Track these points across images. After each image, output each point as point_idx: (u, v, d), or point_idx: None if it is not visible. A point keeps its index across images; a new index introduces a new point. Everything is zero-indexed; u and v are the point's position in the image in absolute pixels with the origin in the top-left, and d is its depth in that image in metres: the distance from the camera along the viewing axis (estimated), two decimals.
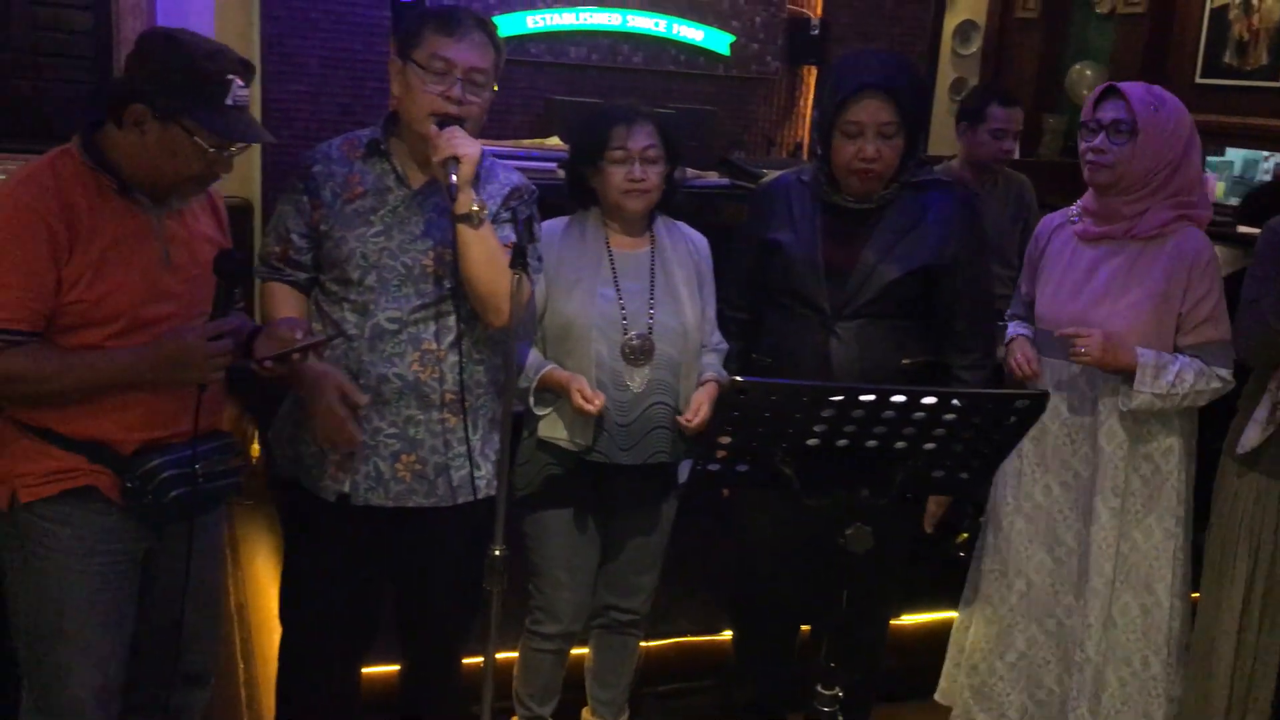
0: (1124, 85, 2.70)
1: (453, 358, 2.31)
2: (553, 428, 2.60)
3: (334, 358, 2.28)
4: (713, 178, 4.53)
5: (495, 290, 2.19)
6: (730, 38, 5.03)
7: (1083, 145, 2.73)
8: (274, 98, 4.25)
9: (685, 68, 5.04)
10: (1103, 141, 2.66)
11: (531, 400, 2.57)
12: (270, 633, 3.18)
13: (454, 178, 2.11)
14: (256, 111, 4.37)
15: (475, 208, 2.15)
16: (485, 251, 2.21)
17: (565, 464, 2.62)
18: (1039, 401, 1.97)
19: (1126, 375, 2.62)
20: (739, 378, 1.86)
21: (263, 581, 3.52)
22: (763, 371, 2.69)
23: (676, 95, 4.94)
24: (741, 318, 2.81)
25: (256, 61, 4.35)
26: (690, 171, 4.51)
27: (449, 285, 2.28)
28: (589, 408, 2.48)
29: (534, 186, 2.45)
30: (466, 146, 2.14)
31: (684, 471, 2.52)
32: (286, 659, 2.54)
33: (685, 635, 3.27)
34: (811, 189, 2.69)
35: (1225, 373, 2.65)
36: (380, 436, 2.31)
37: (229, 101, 1.98)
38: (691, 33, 4.99)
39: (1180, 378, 2.61)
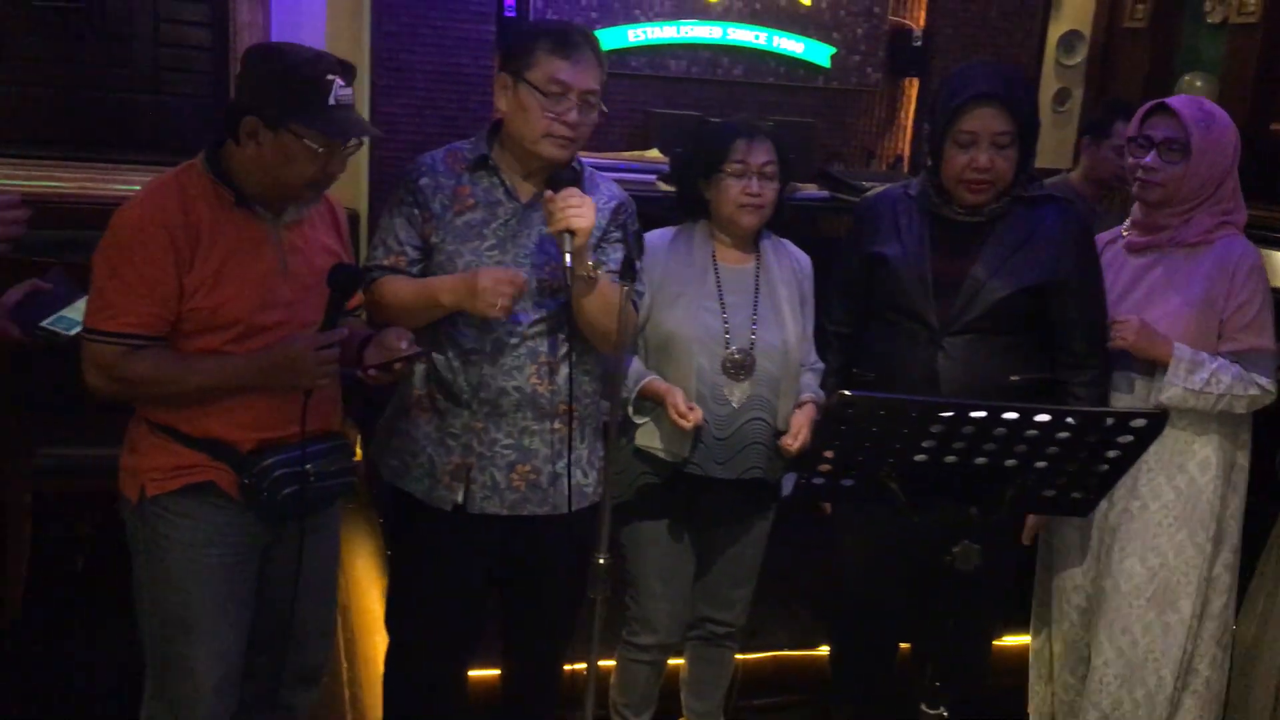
0: (1174, 102, 2.65)
1: (565, 369, 2.34)
2: (650, 437, 2.61)
3: (454, 371, 2.32)
4: (811, 190, 4.51)
5: (610, 327, 2.22)
6: (831, 50, 4.99)
7: (1131, 161, 2.70)
8: (383, 110, 4.34)
9: (785, 80, 5.01)
10: (1154, 160, 2.63)
11: (630, 409, 2.59)
12: (372, 634, 3.25)
13: (568, 256, 2.14)
14: (365, 116, 4.48)
15: (590, 272, 2.18)
16: (601, 300, 2.25)
17: (660, 474, 2.63)
18: (1158, 421, 1.93)
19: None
20: (846, 391, 1.85)
21: (364, 583, 3.59)
22: (866, 387, 2.67)
23: (775, 108, 4.92)
24: (842, 332, 2.80)
25: (366, 75, 4.45)
26: (791, 185, 4.51)
27: (564, 298, 2.31)
28: (684, 423, 2.49)
29: (630, 198, 2.48)
30: (581, 218, 2.16)
31: (788, 484, 2.51)
32: (394, 664, 2.58)
33: (782, 650, 3.26)
34: (919, 202, 2.67)
35: (1265, 381, 2.59)
36: (497, 447, 2.35)
37: (331, 101, 2.05)
38: (792, 45, 4.96)
39: (1216, 378, 2.55)
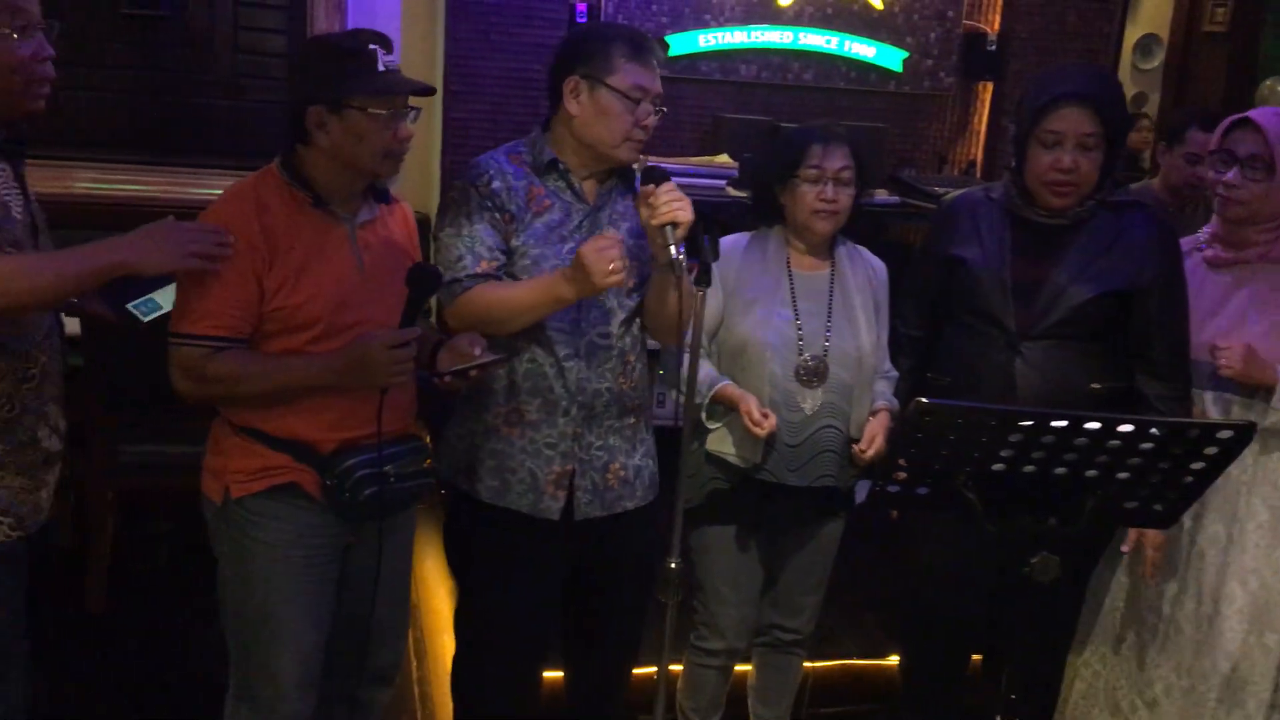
0: (1258, 116, 2.58)
1: (640, 364, 2.38)
2: (721, 442, 2.61)
3: (550, 378, 2.32)
4: (881, 195, 4.49)
5: (683, 323, 2.21)
6: (903, 54, 4.96)
7: (1213, 176, 2.63)
8: (455, 116, 4.40)
9: (856, 85, 4.99)
10: (1236, 176, 2.56)
11: (704, 414, 2.59)
12: (440, 633, 3.29)
13: (674, 249, 2.13)
14: (437, 130, 4.56)
15: (681, 258, 2.18)
16: (685, 292, 2.23)
17: (731, 479, 2.63)
18: (1244, 433, 1.88)
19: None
20: (924, 399, 1.84)
21: (432, 583, 3.63)
22: (941, 391, 2.64)
23: (846, 112, 4.89)
24: (916, 335, 2.77)
25: (439, 83, 4.51)
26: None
27: (638, 296, 2.34)
28: (758, 430, 2.49)
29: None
30: (685, 211, 2.16)
31: (862, 491, 2.50)
32: (466, 668, 2.58)
33: (852, 658, 3.24)
34: (1001, 205, 2.64)
35: None
36: (593, 450, 2.37)
37: (381, 68, 2.09)
38: (864, 49, 4.94)
39: None
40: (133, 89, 4.50)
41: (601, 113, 2.27)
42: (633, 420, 2.42)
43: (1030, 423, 1.86)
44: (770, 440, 2.55)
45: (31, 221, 2.07)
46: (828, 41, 4.91)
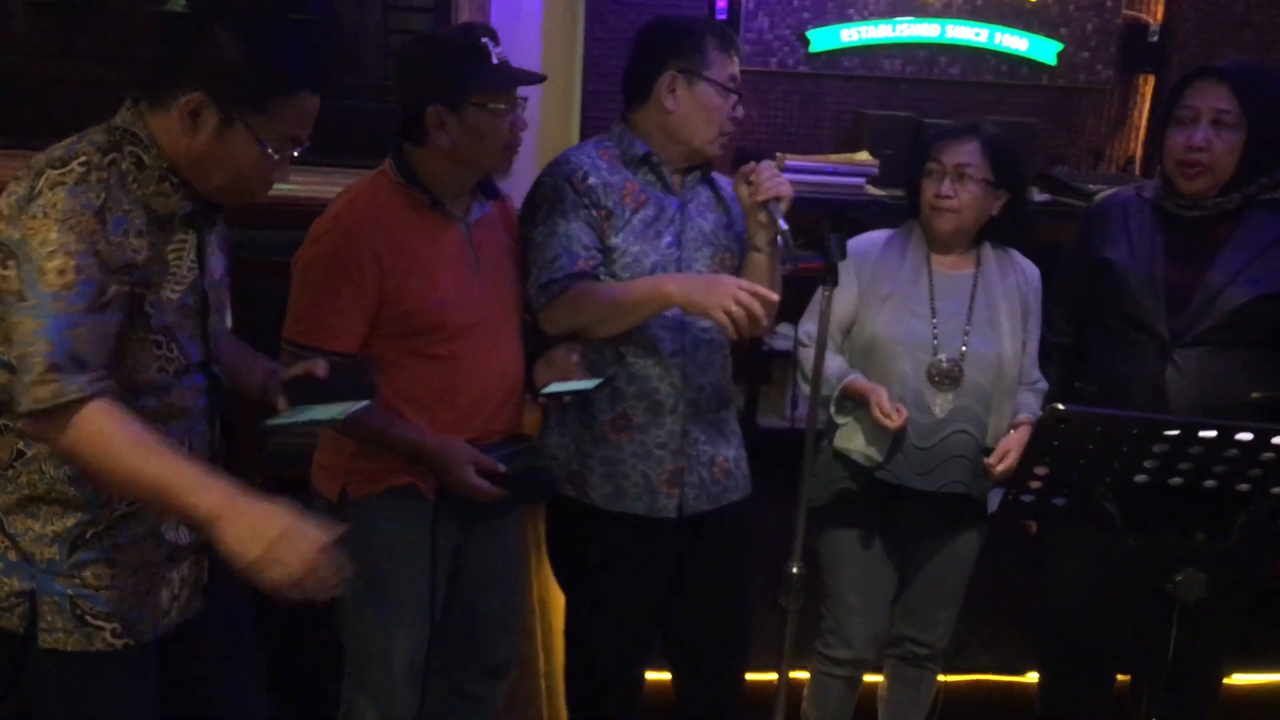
0: None
1: (729, 357, 2.38)
2: (849, 439, 2.55)
3: (655, 379, 2.30)
4: (1031, 193, 4.31)
5: (773, 309, 2.20)
6: (1057, 46, 4.76)
7: None
8: (593, 115, 4.40)
9: (1006, 79, 4.81)
10: None
11: (833, 409, 2.53)
12: None
13: (783, 221, 2.11)
14: (575, 130, 4.57)
15: (787, 231, 2.16)
16: (776, 275, 2.24)
17: (859, 479, 2.55)
18: None
19: None
20: (1060, 405, 1.75)
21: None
22: (1088, 402, 2.52)
23: (995, 107, 4.72)
24: (1064, 342, 2.66)
25: (578, 84, 4.54)
26: None
27: None
28: (887, 422, 2.41)
29: None
30: (786, 185, 2.15)
31: (994, 500, 2.40)
32: (577, 669, 2.59)
33: (987, 674, 3.13)
34: (1152, 203, 2.51)
35: None
36: (699, 445, 2.36)
37: (495, 61, 2.09)
38: (1015, 42, 4.76)
39: None
40: None
41: (701, 106, 2.24)
42: (726, 413, 2.43)
43: (1176, 432, 1.76)
44: (898, 441, 2.47)
45: (201, 299, 1.83)
46: (976, 34, 4.75)
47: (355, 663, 2.33)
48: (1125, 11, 4.79)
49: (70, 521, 1.73)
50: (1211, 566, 1.86)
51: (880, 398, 2.44)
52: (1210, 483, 1.81)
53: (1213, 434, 1.74)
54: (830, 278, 2.01)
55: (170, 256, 1.74)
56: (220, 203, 1.81)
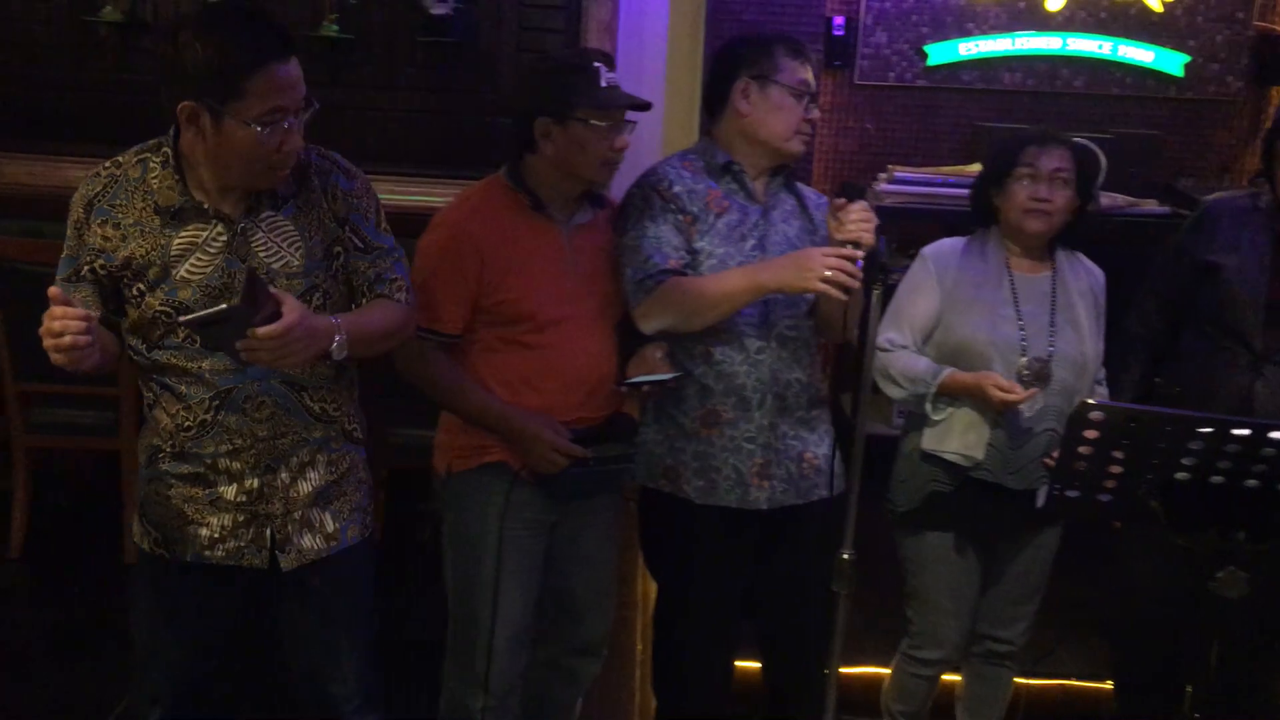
0: None
1: (821, 355, 2.46)
2: (941, 440, 2.58)
3: (742, 375, 2.42)
4: (1151, 206, 4.29)
5: (850, 325, 2.31)
6: (1185, 58, 4.69)
7: None
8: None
9: (1131, 91, 4.76)
10: None
11: (929, 407, 2.56)
12: None
13: (861, 263, 2.18)
14: (694, 139, 4.72)
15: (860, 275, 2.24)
16: (856, 300, 2.28)
17: (952, 480, 2.59)
18: None
19: None
20: (1090, 400, 1.82)
21: None
22: (1170, 401, 2.53)
23: (1120, 120, 4.69)
24: (1150, 337, 2.66)
25: (698, 97, 4.69)
26: (1121, 199, 4.31)
27: (807, 295, 2.41)
28: (1011, 397, 2.42)
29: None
30: (870, 235, 2.21)
31: (1042, 496, 2.43)
32: (666, 660, 2.70)
33: (1070, 679, 3.13)
34: (1267, 214, 2.52)
35: None
36: (787, 440, 2.46)
37: (603, 83, 2.27)
38: (1140, 54, 4.71)
39: None
40: (424, 108, 4.93)
41: (773, 108, 2.38)
42: (818, 411, 2.51)
43: (1210, 429, 1.80)
44: (993, 439, 2.52)
45: (228, 282, 2.02)
46: (1100, 46, 4.73)
47: (455, 627, 2.52)
48: (1257, 23, 4.69)
49: (152, 440, 2.12)
50: (1259, 565, 1.88)
51: (995, 379, 2.46)
52: (1252, 482, 1.84)
53: (1247, 432, 1.78)
54: (876, 278, 2.11)
55: (177, 245, 1.99)
56: (259, 189, 2.01)
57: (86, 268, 2.01)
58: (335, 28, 4.70)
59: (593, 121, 2.26)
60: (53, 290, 1.85)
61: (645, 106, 2.33)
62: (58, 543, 2.39)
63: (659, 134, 4.85)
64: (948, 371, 2.53)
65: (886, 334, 2.59)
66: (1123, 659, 2.86)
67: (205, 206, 2.00)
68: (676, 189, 2.42)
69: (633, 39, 4.82)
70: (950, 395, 2.54)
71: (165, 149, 2.01)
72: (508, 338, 2.36)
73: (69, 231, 2.02)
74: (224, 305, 1.84)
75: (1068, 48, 4.74)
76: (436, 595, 2.56)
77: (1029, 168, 2.53)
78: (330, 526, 2.17)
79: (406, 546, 4.02)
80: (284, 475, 2.11)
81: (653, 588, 3.66)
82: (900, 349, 2.58)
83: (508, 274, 2.33)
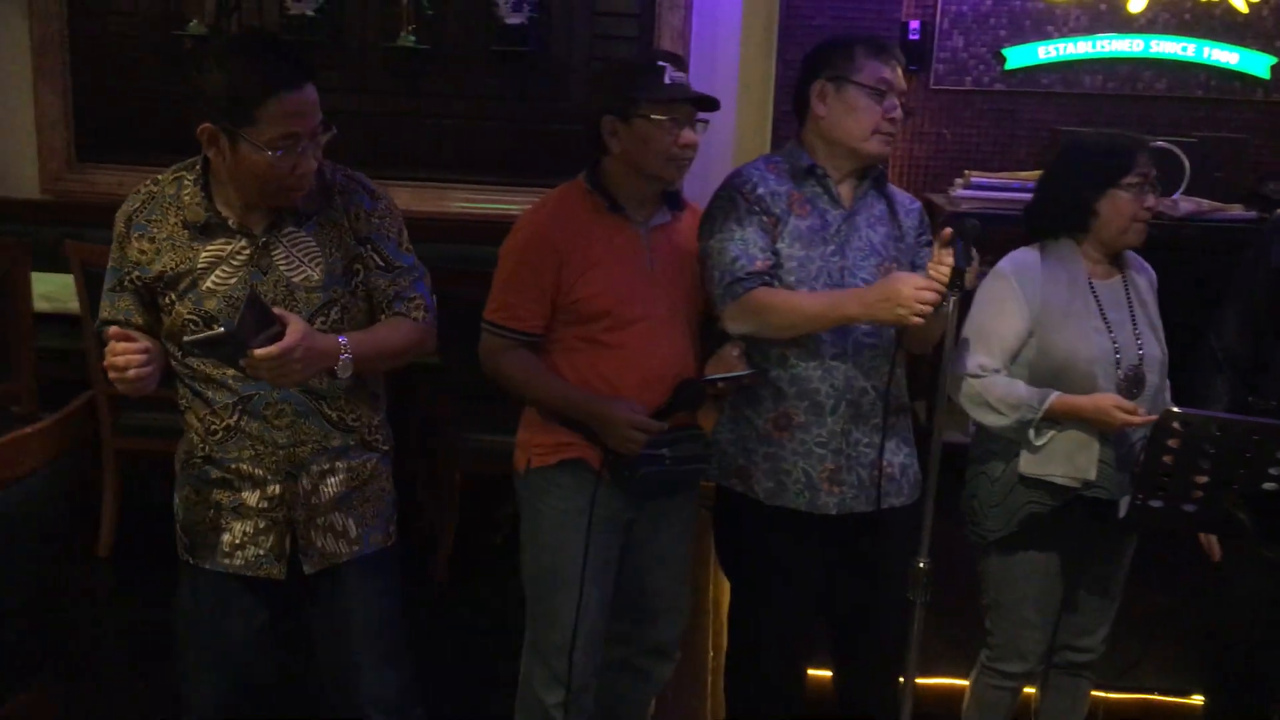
0: None
1: (901, 363, 2.42)
2: (1045, 463, 2.48)
3: (816, 381, 2.41)
4: (1236, 210, 4.19)
5: (935, 337, 2.30)
6: (1271, 60, 4.58)
7: None
8: (785, 135, 4.53)
9: (1215, 94, 4.66)
10: None
11: (1031, 434, 2.46)
12: None
13: (946, 303, 2.16)
14: (767, 145, 4.73)
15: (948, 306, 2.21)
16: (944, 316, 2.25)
17: (1052, 501, 2.50)
18: None
19: None
20: (1175, 408, 1.78)
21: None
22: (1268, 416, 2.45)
23: (1202, 123, 4.59)
24: (1236, 350, 2.57)
25: (771, 102, 4.70)
26: (1206, 204, 4.22)
27: None
28: (1136, 419, 2.35)
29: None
30: (974, 278, 2.19)
31: (1124, 506, 2.37)
32: (739, 666, 2.69)
33: (1152, 693, 3.06)
34: None
35: None
36: (860, 447, 2.45)
37: (667, 81, 2.29)
38: (1225, 56, 4.61)
39: None
40: (499, 117, 5.00)
41: (849, 109, 2.36)
42: (895, 419, 2.48)
43: None
44: (1102, 453, 2.44)
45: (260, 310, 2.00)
46: (1184, 49, 4.64)
47: (532, 620, 2.55)
48: None
49: (185, 446, 2.21)
50: None
51: (1116, 400, 2.38)
52: None
53: None
54: (956, 283, 2.08)
55: (204, 258, 2.08)
56: (279, 207, 2.08)
57: (128, 279, 2.12)
58: (412, 38, 4.79)
59: (654, 116, 2.28)
60: (112, 329, 1.98)
61: (710, 103, 2.34)
62: (145, 543, 2.48)
63: (730, 140, 4.87)
64: (1054, 395, 2.42)
65: (976, 359, 2.47)
66: (1215, 674, 2.78)
67: (230, 222, 2.09)
68: (760, 190, 2.42)
69: (705, 46, 4.84)
70: (1057, 419, 2.45)
71: (198, 166, 2.11)
72: (587, 336, 2.39)
73: (113, 245, 2.14)
74: (220, 329, 1.94)
75: (1151, 50, 4.66)
76: (514, 597, 2.59)
77: (1141, 176, 2.47)
78: (353, 531, 2.23)
79: (480, 551, 4.08)
80: (305, 482, 2.18)
81: (724, 594, 3.70)
82: (993, 374, 2.48)
83: (585, 273, 2.36)
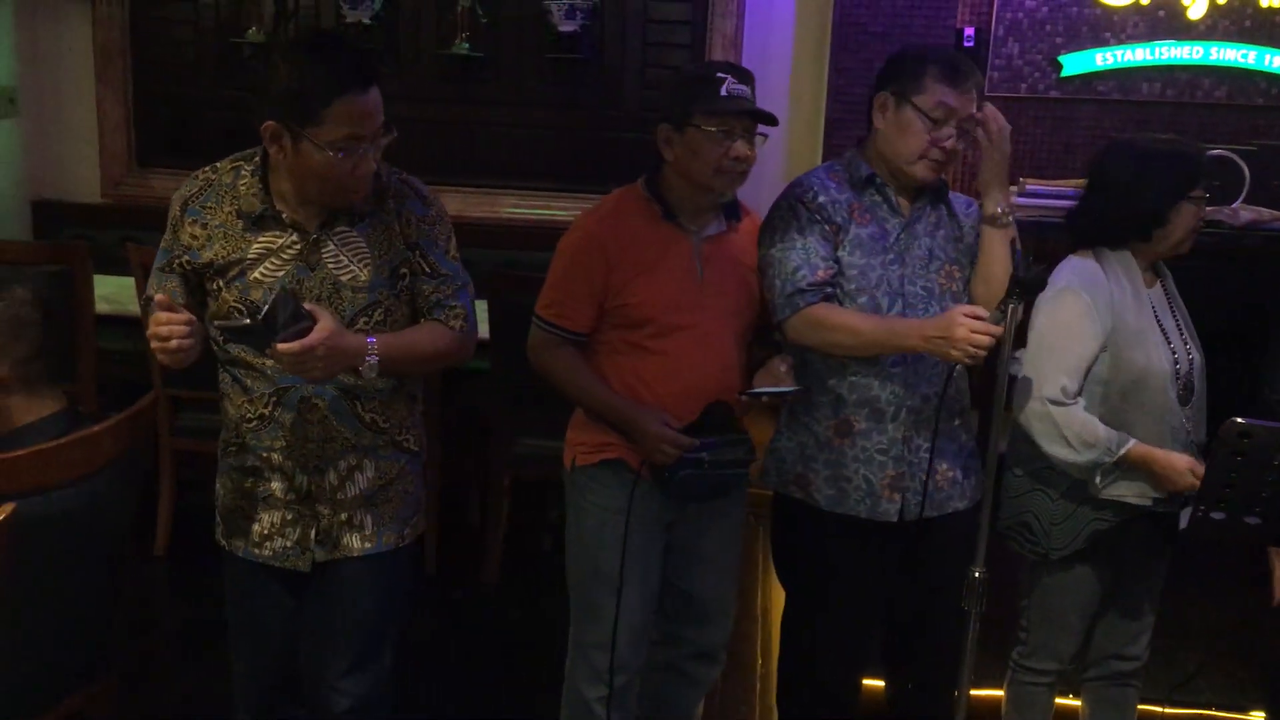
0: None
1: (961, 369, 2.38)
2: (1114, 485, 2.44)
3: (876, 388, 2.41)
4: None
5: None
6: None
7: None
8: (834, 143, 4.54)
9: (1276, 101, 4.58)
10: None
11: (1099, 477, 2.41)
12: None
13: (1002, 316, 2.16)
14: (819, 154, 4.72)
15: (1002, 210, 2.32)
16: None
17: (1119, 516, 2.47)
18: None
19: None
20: (1240, 419, 1.75)
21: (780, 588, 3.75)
22: None
23: (1263, 131, 4.51)
24: None
25: (822, 110, 4.69)
26: (1267, 213, 4.16)
27: (949, 304, 2.38)
28: (1195, 481, 2.28)
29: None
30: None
31: (1185, 518, 2.33)
32: (793, 673, 2.69)
33: (1209, 709, 3.01)
34: None
35: None
36: (921, 453, 2.43)
37: (724, 93, 2.28)
38: None
39: None
40: (553, 124, 5.02)
41: (901, 129, 2.35)
42: (956, 423, 2.48)
43: None
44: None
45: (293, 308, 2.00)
46: (1244, 56, 4.56)
47: (576, 616, 2.57)
48: None
49: (224, 433, 2.25)
50: None
51: (1193, 465, 2.31)
52: None
53: None
54: (1016, 291, 2.06)
55: (254, 249, 2.11)
56: (338, 208, 2.10)
57: (177, 261, 2.15)
58: (466, 46, 4.82)
59: (706, 127, 2.29)
60: (159, 297, 2.00)
61: (767, 118, 2.33)
62: (200, 543, 2.52)
63: (782, 147, 4.86)
64: (1132, 443, 2.37)
65: (1058, 381, 2.40)
66: (1276, 690, 2.73)
67: (284, 216, 2.11)
68: (821, 199, 2.42)
69: (757, 53, 4.83)
70: (1126, 464, 2.39)
71: (256, 158, 2.14)
72: (631, 341, 2.40)
73: (168, 226, 2.17)
74: (247, 320, 1.98)
75: (1210, 57, 4.59)
76: (563, 600, 2.60)
77: (1205, 189, 2.45)
78: (369, 528, 2.24)
79: (530, 554, 4.09)
80: (332, 477, 2.20)
81: (773, 602, 3.69)
82: (1074, 399, 2.41)
83: (633, 278, 2.37)
